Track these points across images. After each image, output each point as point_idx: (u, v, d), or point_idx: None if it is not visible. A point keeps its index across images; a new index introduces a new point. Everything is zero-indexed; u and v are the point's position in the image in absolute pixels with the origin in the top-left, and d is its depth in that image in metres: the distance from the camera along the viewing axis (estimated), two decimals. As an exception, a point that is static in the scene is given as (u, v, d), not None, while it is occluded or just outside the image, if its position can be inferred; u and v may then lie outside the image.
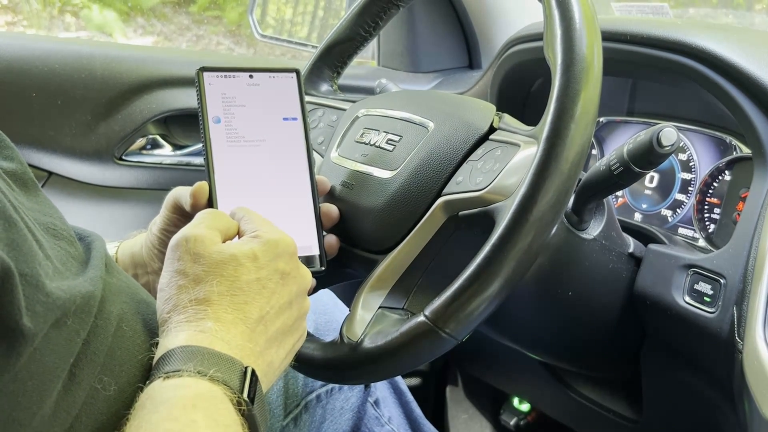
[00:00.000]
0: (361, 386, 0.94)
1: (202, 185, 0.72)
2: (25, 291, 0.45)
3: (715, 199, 0.96)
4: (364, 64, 1.70)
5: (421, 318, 0.64)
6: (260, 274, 0.61)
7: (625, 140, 0.75)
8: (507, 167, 0.69)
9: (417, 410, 1.00)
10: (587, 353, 0.94)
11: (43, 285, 0.48)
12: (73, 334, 0.51)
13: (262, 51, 3.77)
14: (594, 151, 1.14)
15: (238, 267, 0.60)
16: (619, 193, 1.09)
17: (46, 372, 0.48)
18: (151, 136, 1.39)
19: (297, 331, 0.65)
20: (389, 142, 0.82)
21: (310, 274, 0.67)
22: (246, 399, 0.54)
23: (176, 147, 1.42)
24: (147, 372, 0.56)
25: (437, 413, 1.54)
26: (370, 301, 0.75)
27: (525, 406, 1.46)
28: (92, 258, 0.61)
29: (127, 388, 0.54)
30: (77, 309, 0.52)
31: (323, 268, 0.76)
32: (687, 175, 1.01)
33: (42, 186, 1.30)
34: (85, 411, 0.51)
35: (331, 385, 0.93)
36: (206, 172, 0.73)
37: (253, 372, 0.56)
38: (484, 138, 0.76)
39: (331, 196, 0.83)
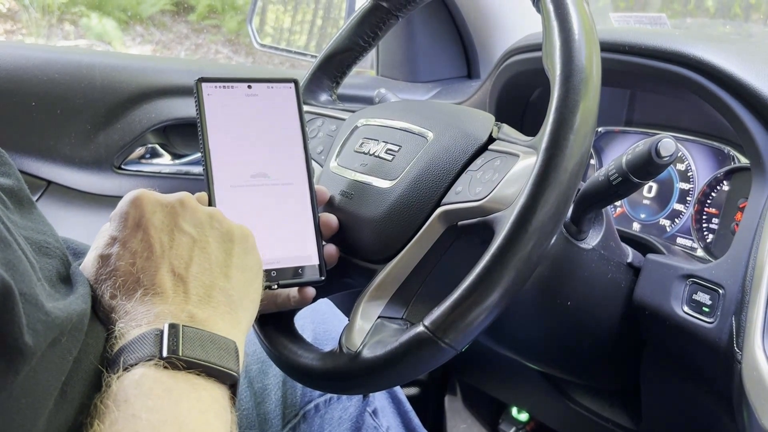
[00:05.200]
0: (360, 396, 0.93)
1: (201, 196, 0.72)
2: (26, 309, 0.45)
3: (714, 209, 0.96)
4: (363, 73, 1.71)
5: (420, 328, 0.64)
6: (120, 244, 0.61)
7: (623, 150, 0.76)
8: (506, 177, 0.69)
9: (415, 420, 0.99)
10: (586, 363, 0.94)
11: (42, 304, 0.48)
12: (65, 353, 0.51)
13: (261, 60, 3.78)
14: (592, 161, 1.14)
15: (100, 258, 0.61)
16: (617, 203, 1.09)
17: (40, 390, 0.48)
18: (150, 146, 1.39)
19: (224, 242, 0.63)
20: (388, 152, 0.82)
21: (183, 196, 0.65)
22: (173, 355, 0.53)
23: (175, 156, 1.42)
24: None
25: (436, 423, 1.54)
26: (369, 311, 0.75)
27: (524, 416, 1.45)
28: (79, 274, 0.61)
29: None
30: (72, 328, 0.52)
31: (323, 278, 0.76)
32: (685, 185, 1.01)
33: (41, 195, 1.30)
34: (75, 429, 0.51)
35: (329, 395, 0.93)
36: (205, 182, 0.73)
37: (172, 326, 0.55)
38: (483, 148, 0.76)
39: (330, 205, 0.83)
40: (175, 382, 0.52)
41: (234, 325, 0.60)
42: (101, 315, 0.59)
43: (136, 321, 0.56)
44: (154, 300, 0.58)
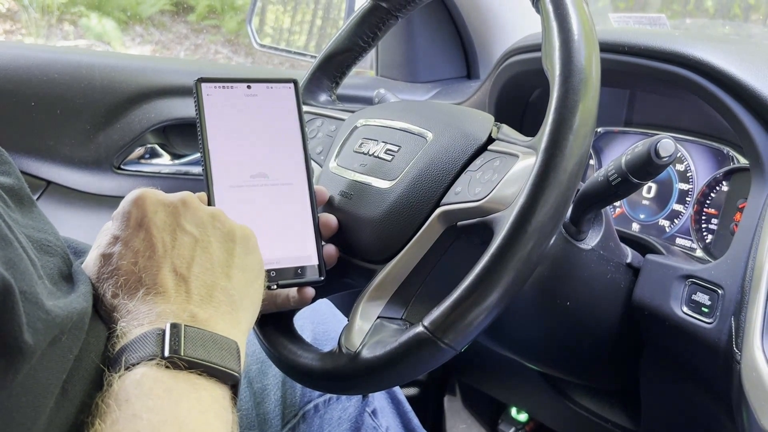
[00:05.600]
0: (359, 396, 0.93)
1: (201, 196, 0.72)
2: (26, 308, 0.45)
3: (713, 210, 0.96)
4: (362, 73, 1.71)
5: (419, 328, 0.64)
6: (120, 244, 0.61)
7: (622, 151, 0.76)
8: (505, 178, 0.69)
9: (415, 420, 0.99)
10: (585, 363, 0.94)
11: (42, 302, 0.48)
12: (66, 351, 0.51)
13: (261, 60, 3.78)
14: (592, 162, 1.14)
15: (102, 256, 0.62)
16: (617, 204, 1.09)
17: (40, 388, 0.48)
18: (149, 146, 1.39)
19: (226, 242, 0.63)
20: (388, 152, 0.82)
21: (185, 196, 0.65)
22: (175, 355, 0.53)
23: (175, 156, 1.42)
24: None
25: (435, 423, 1.54)
26: (368, 311, 0.75)
27: (523, 416, 1.45)
28: (81, 272, 0.61)
29: None
30: (73, 326, 0.52)
31: (322, 278, 0.76)
32: (685, 186, 1.01)
33: (40, 195, 1.30)
34: (76, 427, 0.51)
35: (328, 395, 0.93)
36: (205, 182, 0.73)
37: (174, 325, 0.55)
38: (482, 148, 0.76)
39: (329, 206, 0.83)
40: (175, 382, 0.53)
41: (235, 325, 0.60)
42: (103, 314, 0.59)
43: (138, 320, 0.56)
44: (156, 299, 0.58)
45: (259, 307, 0.65)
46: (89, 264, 0.63)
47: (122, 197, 0.65)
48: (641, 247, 0.92)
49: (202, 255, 0.61)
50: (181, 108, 1.35)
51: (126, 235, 0.61)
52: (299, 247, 0.76)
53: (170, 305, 0.57)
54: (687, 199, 1.00)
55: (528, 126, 1.16)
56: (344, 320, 0.99)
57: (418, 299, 0.75)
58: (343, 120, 0.92)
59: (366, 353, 0.69)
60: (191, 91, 0.76)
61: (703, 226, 0.98)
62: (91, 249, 0.65)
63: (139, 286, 0.59)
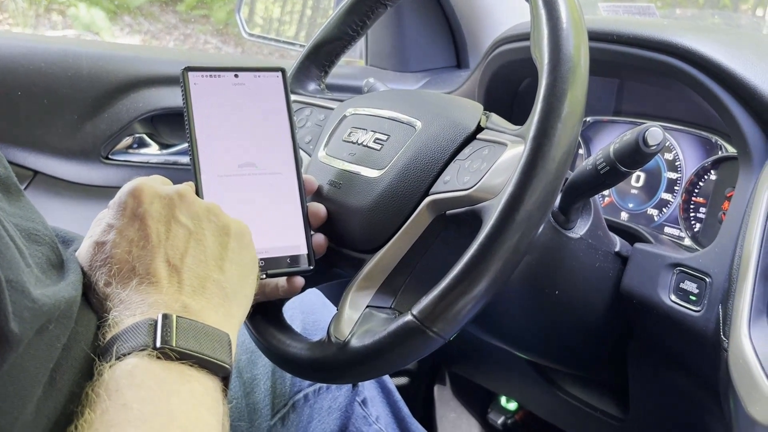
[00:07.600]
0: (349, 386, 0.94)
1: (189, 185, 0.71)
2: (12, 296, 0.45)
3: (701, 199, 0.97)
4: (351, 63, 1.70)
5: (408, 317, 0.64)
6: (114, 233, 0.61)
7: (611, 140, 0.76)
8: (494, 166, 0.69)
9: (405, 409, 1.00)
10: (574, 352, 0.95)
11: (29, 291, 0.48)
12: (54, 340, 0.51)
13: (250, 50, 3.76)
14: (581, 151, 1.14)
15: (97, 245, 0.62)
16: (605, 193, 1.09)
17: (28, 377, 0.48)
18: (137, 135, 1.38)
19: (220, 235, 0.63)
20: (377, 141, 0.82)
21: (181, 189, 0.65)
22: (166, 345, 0.53)
23: (163, 146, 1.41)
24: None
25: (425, 412, 1.54)
26: (357, 301, 0.75)
27: (512, 405, 1.46)
28: (73, 261, 0.61)
29: None
30: (60, 315, 0.52)
31: (311, 267, 0.76)
32: (673, 175, 1.01)
33: (28, 185, 1.29)
34: (65, 416, 0.51)
35: (318, 385, 0.93)
36: (192, 172, 0.72)
37: (165, 316, 0.55)
38: (471, 137, 0.76)
39: (318, 195, 0.83)
40: (167, 373, 0.53)
41: (227, 317, 0.60)
42: (94, 302, 0.60)
43: (131, 310, 0.57)
44: (148, 289, 0.58)
45: (252, 302, 0.65)
46: (82, 252, 0.63)
47: (110, 187, 0.65)
48: (630, 235, 0.92)
49: (195, 247, 0.61)
50: (169, 97, 1.35)
51: (121, 225, 0.61)
52: (288, 237, 0.76)
53: (162, 296, 0.57)
54: (675, 188, 1.01)
55: (517, 115, 1.16)
56: (333, 310, 0.99)
57: (407, 288, 0.75)
58: (332, 109, 0.92)
59: (355, 342, 0.69)
60: (179, 81, 0.75)
61: (692, 214, 0.98)
62: (83, 238, 0.65)
63: (132, 275, 0.59)
